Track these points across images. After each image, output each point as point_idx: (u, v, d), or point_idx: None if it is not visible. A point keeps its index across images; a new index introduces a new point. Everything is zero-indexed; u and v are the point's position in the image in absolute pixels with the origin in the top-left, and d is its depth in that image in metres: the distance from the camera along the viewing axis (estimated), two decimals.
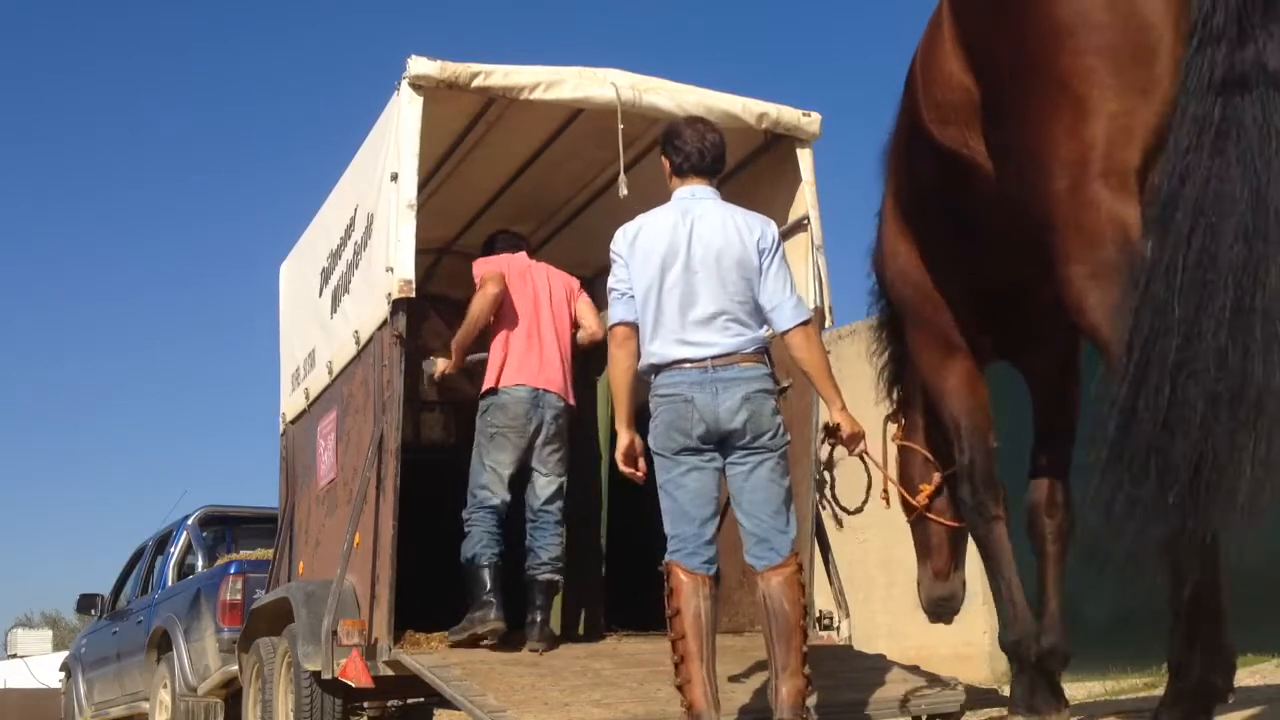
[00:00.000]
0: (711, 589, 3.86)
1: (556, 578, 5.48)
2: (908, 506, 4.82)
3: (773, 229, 4.09)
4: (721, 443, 3.88)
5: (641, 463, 4.04)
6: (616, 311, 4.03)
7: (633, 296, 4.00)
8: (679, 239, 3.94)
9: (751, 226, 4.01)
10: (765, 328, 4.01)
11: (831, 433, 4.31)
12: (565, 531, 5.66)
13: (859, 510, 5.00)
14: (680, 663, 3.79)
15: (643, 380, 4.02)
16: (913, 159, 3.98)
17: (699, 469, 3.88)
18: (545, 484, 5.51)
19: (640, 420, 4.04)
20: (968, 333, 4.22)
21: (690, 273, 3.91)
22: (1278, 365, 2.57)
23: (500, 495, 5.43)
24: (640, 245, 3.99)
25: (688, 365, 3.87)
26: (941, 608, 4.84)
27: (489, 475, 5.45)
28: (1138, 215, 2.97)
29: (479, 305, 5.58)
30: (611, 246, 4.11)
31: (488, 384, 5.56)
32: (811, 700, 3.84)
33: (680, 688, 3.78)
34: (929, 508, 4.70)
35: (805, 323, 3.98)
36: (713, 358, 3.86)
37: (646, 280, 3.95)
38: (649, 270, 3.95)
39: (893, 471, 4.90)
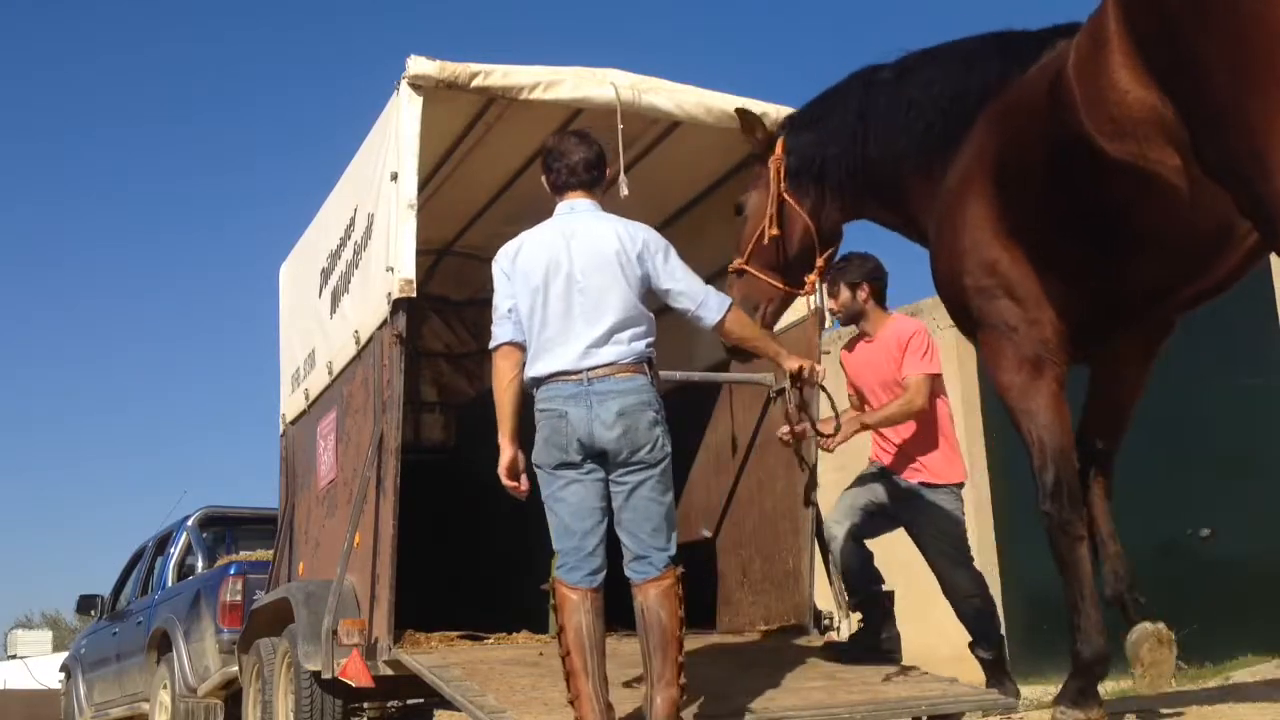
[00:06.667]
0: (594, 603, 3.85)
1: None
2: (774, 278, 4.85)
3: (655, 234, 4.10)
4: (600, 457, 3.86)
5: (524, 478, 4.05)
6: (501, 331, 4.03)
7: (516, 315, 4.00)
8: (558, 254, 3.95)
9: (634, 236, 4.01)
10: (647, 340, 3.99)
11: (795, 379, 4.44)
12: None
13: (834, 435, 5.07)
14: (568, 678, 3.81)
15: (527, 394, 4.02)
16: (1051, 171, 3.84)
17: (578, 482, 3.88)
18: None
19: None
20: (1059, 345, 4.15)
21: (570, 285, 3.91)
22: None
23: None
24: (520, 263, 4.00)
25: (564, 379, 3.87)
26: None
27: None
28: None
29: None
30: (494, 264, 4.10)
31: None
32: (688, 711, 3.88)
33: (571, 703, 3.81)
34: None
35: (730, 309, 4.09)
36: (589, 369, 3.86)
37: (529, 297, 3.95)
38: (530, 286, 3.95)
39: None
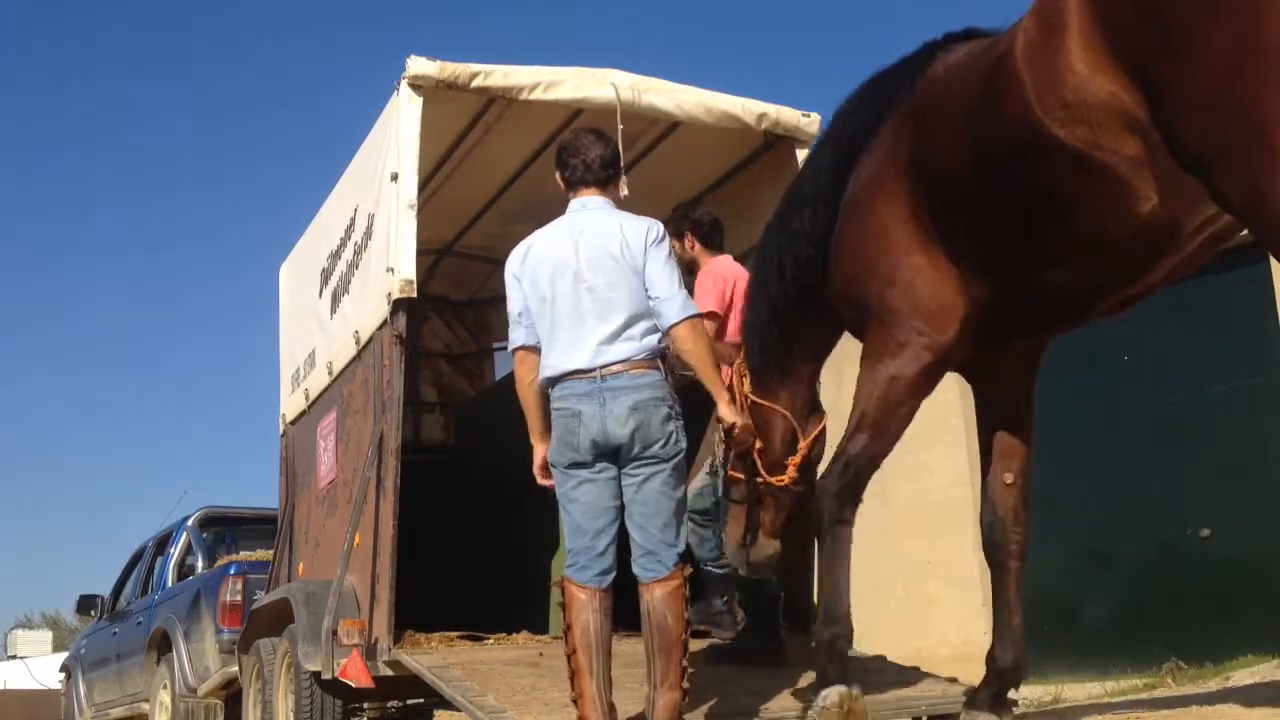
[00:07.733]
0: (603, 603, 3.83)
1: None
2: (760, 473, 4.45)
3: (659, 227, 4.07)
4: (614, 454, 3.86)
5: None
6: (517, 336, 4.04)
7: (528, 319, 4.00)
8: (567, 252, 3.94)
9: (638, 229, 4.00)
10: (660, 334, 3.97)
11: (726, 434, 4.21)
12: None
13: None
14: (573, 677, 3.81)
15: (545, 394, 4.01)
16: (985, 164, 3.70)
17: (590, 481, 3.88)
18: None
19: None
20: (955, 351, 4.07)
21: (579, 283, 3.90)
22: None
23: None
24: (529, 264, 4.00)
25: (578, 377, 3.86)
26: (768, 564, 4.61)
27: None
28: None
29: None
30: (506, 267, 4.10)
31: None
32: (689, 712, 3.88)
33: (574, 701, 3.81)
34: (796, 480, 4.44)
35: (692, 318, 3.96)
36: (602, 367, 3.85)
37: (539, 296, 3.96)
38: (539, 287, 3.95)
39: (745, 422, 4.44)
